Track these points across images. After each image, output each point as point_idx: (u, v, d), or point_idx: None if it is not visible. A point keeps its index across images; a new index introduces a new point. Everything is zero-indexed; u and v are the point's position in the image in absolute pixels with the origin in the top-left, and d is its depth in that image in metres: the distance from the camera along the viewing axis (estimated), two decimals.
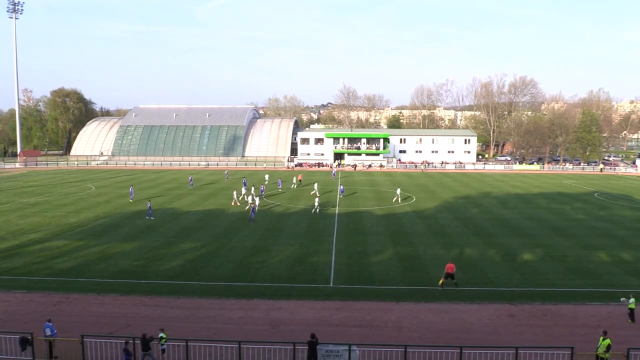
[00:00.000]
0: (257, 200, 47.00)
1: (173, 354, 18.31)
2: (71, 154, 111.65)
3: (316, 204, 47.24)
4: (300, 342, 17.77)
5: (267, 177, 70.96)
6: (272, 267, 29.21)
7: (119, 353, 17.71)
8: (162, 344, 17.89)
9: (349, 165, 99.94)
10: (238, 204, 49.95)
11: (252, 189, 56.15)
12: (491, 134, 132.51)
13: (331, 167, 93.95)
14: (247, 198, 48.96)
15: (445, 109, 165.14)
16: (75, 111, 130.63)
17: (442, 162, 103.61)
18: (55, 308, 22.79)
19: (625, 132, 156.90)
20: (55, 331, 18.37)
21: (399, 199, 53.84)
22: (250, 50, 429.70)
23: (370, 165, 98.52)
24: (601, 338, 17.65)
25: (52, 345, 18.05)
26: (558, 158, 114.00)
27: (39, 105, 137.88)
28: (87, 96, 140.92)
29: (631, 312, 21.82)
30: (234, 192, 52.39)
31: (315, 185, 59.45)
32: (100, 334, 19.23)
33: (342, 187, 61.64)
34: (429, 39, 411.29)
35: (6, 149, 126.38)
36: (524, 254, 32.49)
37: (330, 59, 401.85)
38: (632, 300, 21.86)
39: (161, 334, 17.98)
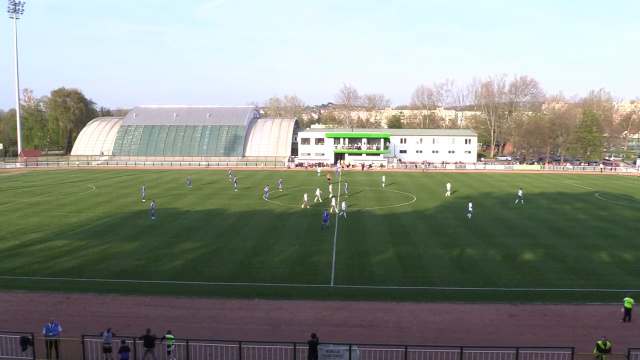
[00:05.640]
0: (343, 206, 45.22)
1: (174, 354, 18.31)
2: (72, 154, 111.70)
3: (470, 207, 45.04)
4: (301, 342, 17.78)
5: (318, 191, 54.49)
6: (272, 267, 29.23)
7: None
8: (169, 346, 17.88)
9: (350, 165, 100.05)
10: (308, 206, 48.71)
11: (330, 187, 57.25)
12: (492, 134, 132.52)
13: (343, 167, 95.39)
14: (332, 201, 47.80)
15: (445, 109, 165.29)
16: (75, 111, 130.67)
17: (443, 162, 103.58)
18: (56, 308, 22.82)
19: (625, 132, 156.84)
20: (56, 331, 18.27)
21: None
22: (250, 50, 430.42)
23: (370, 165, 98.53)
24: (603, 342, 17.48)
25: (57, 345, 18.03)
26: (559, 158, 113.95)
27: (40, 105, 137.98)
28: (87, 96, 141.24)
29: (627, 311, 21.75)
30: (305, 195, 50.34)
31: (448, 186, 60.37)
32: (101, 334, 19.19)
33: (346, 184, 61.82)
34: (429, 39, 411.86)
35: (7, 148, 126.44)
36: (524, 254, 32.48)
37: (331, 59, 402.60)
38: (626, 299, 21.80)
39: (168, 335, 17.96)
